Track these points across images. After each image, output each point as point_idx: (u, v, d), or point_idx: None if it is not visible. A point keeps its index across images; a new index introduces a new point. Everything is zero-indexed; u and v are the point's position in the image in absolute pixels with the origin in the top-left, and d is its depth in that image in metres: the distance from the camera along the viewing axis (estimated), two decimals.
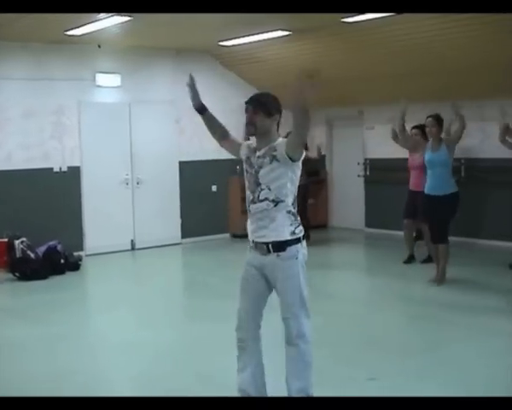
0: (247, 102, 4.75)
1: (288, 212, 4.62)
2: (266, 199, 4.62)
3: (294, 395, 4.63)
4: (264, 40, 10.93)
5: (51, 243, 10.39)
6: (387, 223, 12.39)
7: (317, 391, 4.70)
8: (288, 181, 4.61)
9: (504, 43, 9.27)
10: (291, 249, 4.57)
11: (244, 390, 4.78)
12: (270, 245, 4.59)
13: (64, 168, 11.55)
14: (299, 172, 4.68)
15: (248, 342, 4.76)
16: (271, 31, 10.35)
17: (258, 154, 4.70)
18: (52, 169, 11.43)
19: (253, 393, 4.76)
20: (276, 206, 4.59)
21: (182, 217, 12.78)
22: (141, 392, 5.46)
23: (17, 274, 9.97)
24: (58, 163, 11.49)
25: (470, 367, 5.89)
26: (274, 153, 4.59)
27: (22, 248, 10.13)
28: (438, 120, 8.74)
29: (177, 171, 12.67)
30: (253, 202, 4.74)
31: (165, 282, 9.89)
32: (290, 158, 4.56)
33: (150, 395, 5.14)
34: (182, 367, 6.12)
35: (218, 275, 9.94)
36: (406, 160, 10.23)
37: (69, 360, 6.35)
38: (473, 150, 11.13)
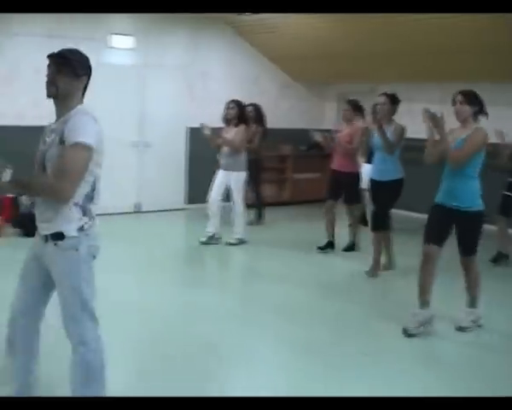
0: (49, 57, 3.96)
1: (76, 204, 3.89)
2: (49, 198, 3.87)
3: None
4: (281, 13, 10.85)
5: None
6: None
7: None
8: None
9: None
10: (69, 239, 3.88)
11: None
12: (48, 235, 3.91)
13: None
14: (87, 156, 3.83)
15: (19, 341, 4.17)
16: None
17: (52, 126, 3.98)
18: None
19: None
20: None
21: (189, 183, 12.83)
22: (137, 355, 5.53)
23: (22, 230, 10.03)
24: None
25: None
26: (62, 135, 3.81)
27: (27, 205, 10.19)
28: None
29: (186, 137, 12.69)
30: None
31: (167, 246, 9.94)
32: None
33: (145, 357, 5.20)
34: (174, 331, 6.23)
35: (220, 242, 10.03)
36: (419, 139, 10.22)
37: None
38: None
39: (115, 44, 11.82)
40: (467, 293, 6.52)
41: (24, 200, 10.22)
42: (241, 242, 10.01)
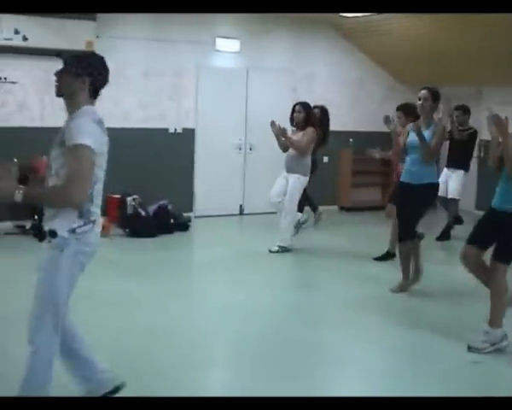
0: (57, 55, 4.13)
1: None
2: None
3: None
4: (387, 14, 10.72)
5: (162, 202, 10.61)
6: None
7: None
8: None
9: None
10: (59, 239, 3.86)
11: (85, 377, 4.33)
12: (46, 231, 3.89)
13: (179, 130, 11.74)
14: (88, 156, 3.79)
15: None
16: None
17: (63, 125, 3.97)
18: (167, 130, 11.63)
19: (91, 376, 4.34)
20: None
21: None
22: (231, 351, 5.57)
23: (127, 230, 10.22)
24: (173, 124, 11.69)
25: None
26: (63, 136, 3.84)
27: (134, 205, 10.39)
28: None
29: None
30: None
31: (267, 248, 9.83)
32: None
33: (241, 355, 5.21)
34: (272, 332, 6.24)
35: (324, 245, 9.98)
36: None
37: (176, 317, 6.60)
38: None
39: (221, 47, 11.91)
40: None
41: (129, 201, 10.42)
42: (284, 250, 9.49)
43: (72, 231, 3.84)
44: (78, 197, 3.73)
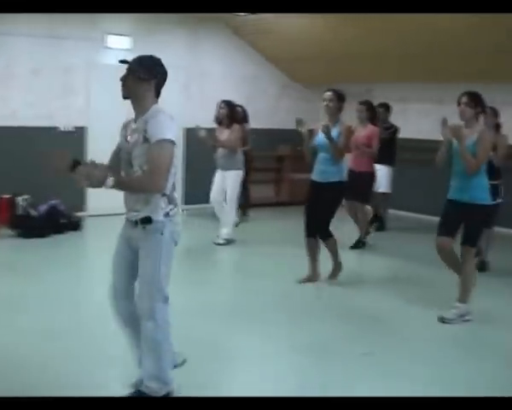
0: (120, 62, 4.52)
1: (163, 195, 4.39)
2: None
3: (146, 381, 4.51)
4: (280, 13, 10.79)
5: (53, 201, 10.40)
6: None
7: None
8: None
9: None
10: (156, 223, 4.39)
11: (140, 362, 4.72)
12: (138, 219, 4.43)
13: (70, 128, 11.51)
14: (172, 151, 4.31)
15: (125, 318, 4.67)
16: None
17: (134, 126, 4.45)
18: (58, 128, 11.39)
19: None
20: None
21: (186, 184, 12.78)
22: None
23: (18, 231, 9.98)
24: (64, 123, 11.45)
25: None
26: (145, 134, 4.29)
27: (24, 206, 10.14)
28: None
29: (183, 138, 12.58)
30: None
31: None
32: None
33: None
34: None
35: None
36: (415, 140, 10.22)
37: (64, 318, 6.47)
38: None
39: (111, 45, 11.75)
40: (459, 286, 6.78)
41: (20, 201, 10.17)
42: (229, 242, 9.94)
43: (167, 214, 4.40)
44: (162, 184, 4.25)
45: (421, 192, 11.90)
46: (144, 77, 4.37)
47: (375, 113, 10.14)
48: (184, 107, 12.47)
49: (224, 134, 9.85)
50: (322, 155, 7.71)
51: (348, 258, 8.63)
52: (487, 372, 5.52)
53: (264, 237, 10.76)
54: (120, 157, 4.58)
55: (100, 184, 4.18)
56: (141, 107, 4.40)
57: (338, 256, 8.01)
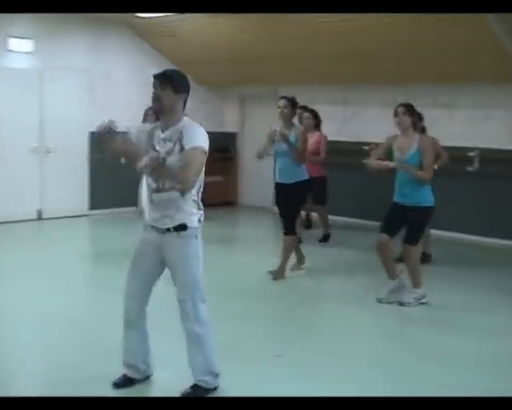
0: (154, 77, 4.64)
1: (194, 201, 4.65)
2: (173, 188, 4.48)
3: (204, 377, 4.77)
4: (182, 15, 10.82)
5: None
6: None
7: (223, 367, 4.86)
8: None
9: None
10: (191, 229, 4.63)
11: (132, 366, 4.94)
12: (171, 227, 4.63)
13: None
14: (204, 160, 4.56)
15: (135, 320, 4.86)
16: None
17: (162, 135, 4.61)
18: None
19: (140, 367, 4.95)
20: (182, 195, 4.55)
21: (92, 188, 12.64)
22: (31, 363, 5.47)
23: None
24: None
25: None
26: (182, 141, 4.50)
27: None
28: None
29: (88, 141, 12.43)
30: (157, 190, 4.57)
31: (69, 251, 9.70)
32: None
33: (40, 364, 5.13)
34: (70, 337, 6.12)
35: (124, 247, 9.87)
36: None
37: None
38: None
39: (13, 47, 11.53)
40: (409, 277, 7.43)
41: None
42: None
43: (199, 220, 4.68)
44: (192, 183, 4.48)
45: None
46: (180, 89, 4.58)
47: (320, 120, 10.53)
48: (88, 110, 12.31)
49: None
50: (281, 160, 8.28)
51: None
52: (410, 368, 5.65)
53: None
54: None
55: (134, 162, 4.45)
56: (172, 119, 4.59)
57: (287, 259, 8.46)
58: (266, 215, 13.03)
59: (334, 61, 11.10)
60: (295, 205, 8.40)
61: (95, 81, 12.38)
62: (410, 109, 7.13)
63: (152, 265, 4.74)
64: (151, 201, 4.69)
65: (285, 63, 11.78)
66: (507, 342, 6.36)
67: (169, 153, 4.53)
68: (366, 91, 11.86)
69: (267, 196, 13.52)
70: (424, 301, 7.29)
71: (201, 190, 4.71)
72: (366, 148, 10.91)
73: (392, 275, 7.39)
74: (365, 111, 12.06)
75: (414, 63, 10.44)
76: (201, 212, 4.70)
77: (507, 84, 10.28)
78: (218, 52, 12.14)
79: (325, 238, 10.78)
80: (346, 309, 7.23)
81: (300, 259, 8.84)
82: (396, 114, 7.12)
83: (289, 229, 8.33)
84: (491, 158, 10.73)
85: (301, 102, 9.11)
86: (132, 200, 10.23)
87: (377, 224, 7.82)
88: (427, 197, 7.16)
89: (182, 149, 4.48)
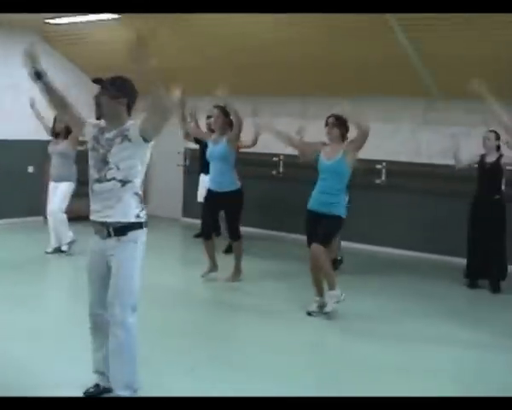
0: (94, 82, 4.84)
1: (135, 194, 4.64)
2: (114, 179, 4.56)
3: (121, 391, 4.62)
4: (92, 22, 10.71)
5: None
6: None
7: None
8: (139, 162, 4.64)
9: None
10: (132, 234, 4.61)
11: (99, 371, 4.91)
12: (110, 228, 4.60)
13: None
14: (149, 154, 4.70)
15: (99, 325, 4.80)
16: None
17: (107, 136, 4.66)
18: None
19: (106, 373, 4.85)
20: (123, 186, 4.56)
21: None
22: None
23: None
24: None
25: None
26: (126, 133, 4.57)
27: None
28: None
29: None
30: (99, 181, 4.62)
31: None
32: (143, 138, 4.56)
33: None
34: None
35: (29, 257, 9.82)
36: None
37: None
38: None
39: None
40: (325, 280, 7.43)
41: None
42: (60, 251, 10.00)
43: (138, 215, 4.66)
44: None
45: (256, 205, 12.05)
46: (118, 95, 4.64)
47: None
48: None
49: (62, 145, 9.92)
50: (217, 166, 8.57)
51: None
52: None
53: None
54: (90, 153, 4.76)
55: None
56: (114, 123, 4.66)
57: (240, 261, 8.85)
58: (175, 225, 12.97)
59: (244, 72, 11.18)
60: (239, 211, 8.77)
61: (2, 89, 12.09)
62: (340, 121, 7.35)
63: (103, 270, 4.68)
64: (92, 191, 4.67)
65: (195, 73, 11.67)
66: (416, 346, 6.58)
67: (111, 145, 4.60)
68: (274, 104, 11.87)
69: (176, 206, 13.48)
70: (342, 298, 7.37)
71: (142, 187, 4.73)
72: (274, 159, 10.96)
73: (320, 292, 7.45)
74: (275, 122, 12.03)
75: (331, 76, 10.61)
76: (143, 207, 4.69)
77: (413, 97, 10.52)
78: (127, 59, 11.97)
79: (229, 249, 10.37)
80: (267, 322, 7.26)
81: (214, 267, 8.94)
82: (326, 124, 7.39)
83: (235, 235, 8.74)
84: (398, 171, 10.97)
85: (248, 115, 9.00)
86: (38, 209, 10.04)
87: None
88: (341, 208, 7.35)
89: (124, 139, 4.56)
